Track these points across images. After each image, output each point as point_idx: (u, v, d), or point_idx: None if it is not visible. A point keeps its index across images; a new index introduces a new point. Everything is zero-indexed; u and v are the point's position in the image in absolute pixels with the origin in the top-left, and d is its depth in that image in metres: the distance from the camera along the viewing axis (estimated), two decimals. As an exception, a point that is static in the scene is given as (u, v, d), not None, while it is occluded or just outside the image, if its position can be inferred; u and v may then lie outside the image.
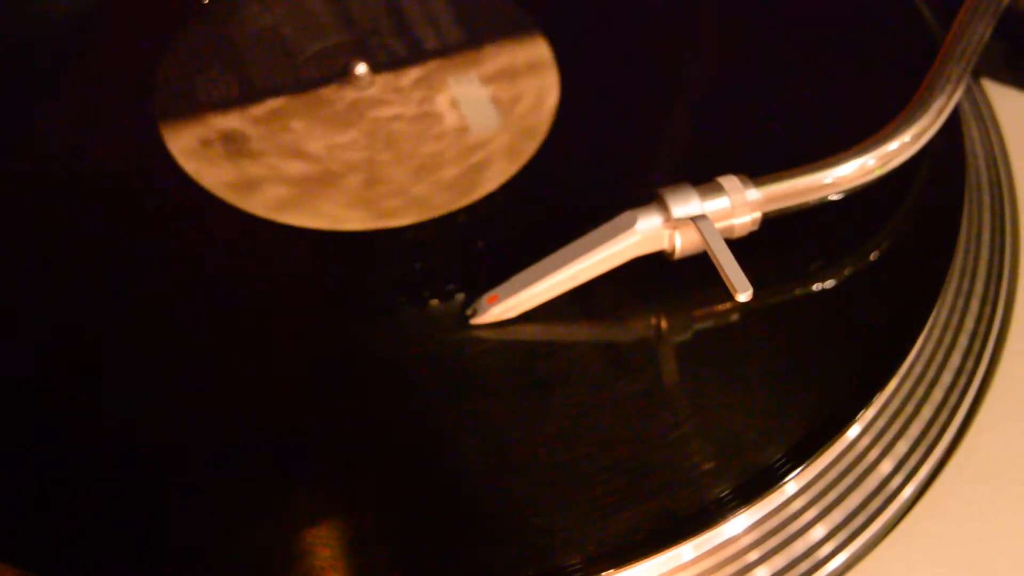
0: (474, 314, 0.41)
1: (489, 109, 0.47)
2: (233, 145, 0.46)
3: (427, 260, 0.43)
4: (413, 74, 0.49)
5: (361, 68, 0.48)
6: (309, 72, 0.48)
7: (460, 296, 0.41)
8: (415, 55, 0.49)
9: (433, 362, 0.40)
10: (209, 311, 0.42)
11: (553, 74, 0.48)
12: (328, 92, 0.48)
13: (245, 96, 0.48)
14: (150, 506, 0.37)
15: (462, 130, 0.46)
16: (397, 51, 0.49)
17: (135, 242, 0.44)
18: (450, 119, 0.47)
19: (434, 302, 0.42)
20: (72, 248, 0.44)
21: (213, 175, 0.45)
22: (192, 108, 0.47)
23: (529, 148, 0.46)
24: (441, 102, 0.47)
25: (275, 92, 0.48)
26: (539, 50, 0.49)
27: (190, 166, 0.46)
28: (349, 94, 0.48)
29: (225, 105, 0.47)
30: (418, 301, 0.42)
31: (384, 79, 0.49)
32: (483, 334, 0.41)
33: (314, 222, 0.44)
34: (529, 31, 0.49)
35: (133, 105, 0.48)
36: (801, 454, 0.38)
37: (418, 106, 0.47)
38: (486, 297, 0.41)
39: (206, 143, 0.46)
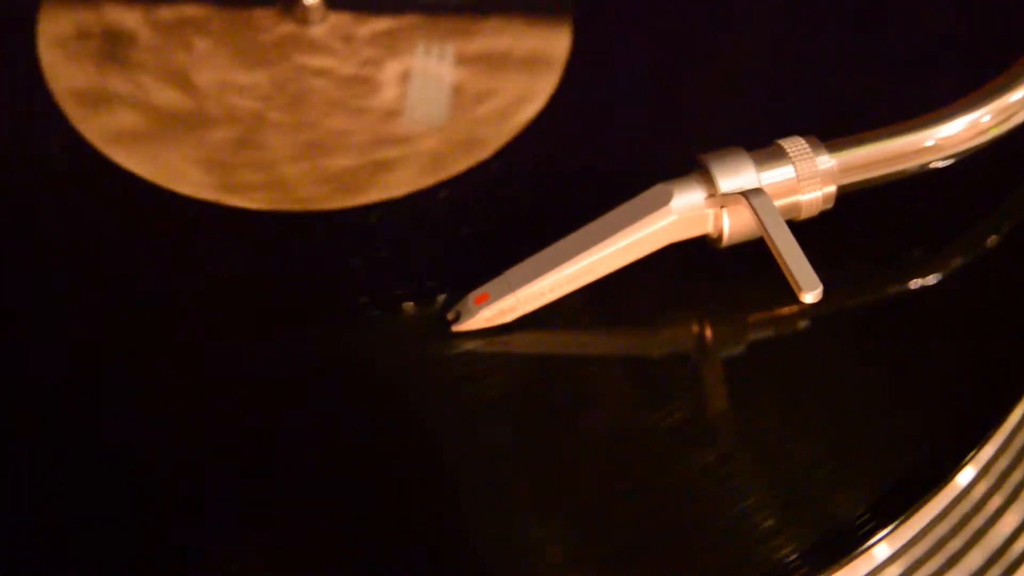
0: (457, 319, 0.38)
1: (442, 98, 0.43)
2: (112, 46, 0.44)
3: (390, 246, 0.40)
4: (378, 24, 0.45)
5: None
6: None
7: (440, 296, 0.38)
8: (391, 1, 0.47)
9: (402, 383, 0.38)
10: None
11: (552, 78, 0.43)
12: (262, 16, 0.45)
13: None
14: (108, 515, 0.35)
15: (392, 113, 0.43)
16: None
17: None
18: (386, 95, 0.43)
19: (404, 303, 0.39)
20: None
21: (68, 76, 0.43)
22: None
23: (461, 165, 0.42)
24: (389, 71, 0.44)
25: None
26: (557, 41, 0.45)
27: (48, 57, 0.44)
28: (285, 26, 0.45)
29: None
30: (382, 300, 0.39)
31: (338, 20, 0.45)
32: (469, 345, 0.38)
33: (143, 169, 0.41)
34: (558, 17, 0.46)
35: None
36: (895, 507, 0.35)
37: (358, 67, 0.44)
38: (473, 296, 0.37)
39: (83, 35, 0.44)
